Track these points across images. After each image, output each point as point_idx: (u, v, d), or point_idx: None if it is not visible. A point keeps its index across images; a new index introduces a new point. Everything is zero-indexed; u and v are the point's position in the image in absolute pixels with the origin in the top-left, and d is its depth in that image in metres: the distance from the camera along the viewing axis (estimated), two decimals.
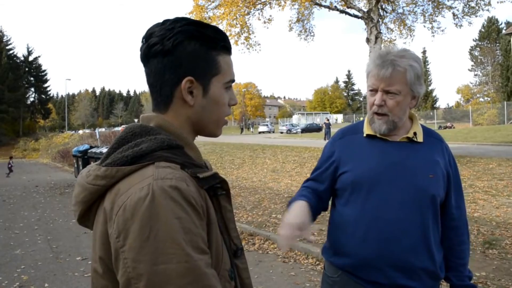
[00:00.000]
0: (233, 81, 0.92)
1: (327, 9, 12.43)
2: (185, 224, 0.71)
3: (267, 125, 51.27)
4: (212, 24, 0.93)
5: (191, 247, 0.71)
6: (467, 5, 12.31)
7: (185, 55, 0.84)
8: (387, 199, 1.43)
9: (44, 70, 60.04)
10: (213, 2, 12.79)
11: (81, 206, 0.84)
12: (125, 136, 0.83)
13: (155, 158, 0.78)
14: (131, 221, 0.71)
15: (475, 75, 56.09)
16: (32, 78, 58.05)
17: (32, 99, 58.27)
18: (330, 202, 1.67)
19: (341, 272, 1.52)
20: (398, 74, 1.41)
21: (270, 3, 12.63)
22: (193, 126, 0.90)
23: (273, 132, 47.01)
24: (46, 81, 59.67)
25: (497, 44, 51.24)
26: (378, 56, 1.45)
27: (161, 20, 0.89)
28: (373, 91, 1.47)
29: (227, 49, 0.91)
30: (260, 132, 47.16)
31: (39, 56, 61.33)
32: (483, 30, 54.23)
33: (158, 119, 0.86)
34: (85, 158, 12.64)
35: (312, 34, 13.89)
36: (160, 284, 0.68)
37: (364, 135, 1.54)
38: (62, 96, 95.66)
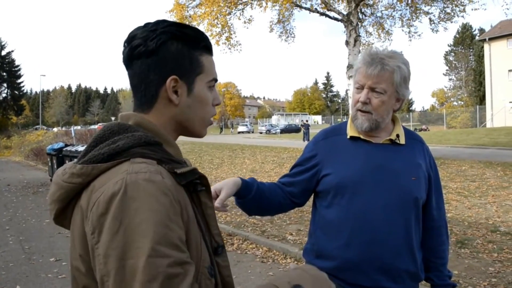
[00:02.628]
0: (216, 80, 0.93)
1: (307, 11, 12.53)
2: (159, 217, 0.69)
3: (246, 125, 51.34)
4: (193, 23, 0.94)
5: (164, 241, 0.68)
6: (443, 11, 12.65)
7: (169, 55, 0.85)
8: (371, 202, 1.43)
9: (18, 65, 58.17)
10: (194, 0, 12.70)
11: (57, 204, 0.83)
12: (103, 134, 0.82)
13: (131, 154, 0.77)
14: (104, 216, 0.70)
15: (450, 79, 57.76)
16: (4, 74, 56.12)
17: (4, 95, 56.29)
18: (308, 203, 1.66)
19: None
20: (386, 73, 1.42)
21: (251, 3, 12.63)
22: (178, 126, 0.90)
23: (253, 132, 47.09)
24: (19, 76, 57.81)
25: (471, 50, 52.81)
26: (368, 54, 1.46)
27: (138, 21, 0.89)
28: (360, 88, 1.47)
29: (209, 49, 0.92)
30: (239, 132, 47.16)
31: (12, 51, 59.43)
32: (457, 36, 55.81)
33: (137, 117, 0.86)
34: (59, 156, 12.33)
35: (292, 35, 13.97)
36: (127, 280, 0.66)
37: (348, 136, 1.54)
38: (36, 92, 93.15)
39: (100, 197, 0.72)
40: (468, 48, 53.92)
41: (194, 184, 0.82)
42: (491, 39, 29.54)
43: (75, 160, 0.84)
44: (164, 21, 0.88)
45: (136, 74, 0.86)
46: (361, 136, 1.51)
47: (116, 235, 0.68)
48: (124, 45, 0.88)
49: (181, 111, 0.88)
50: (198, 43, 0.89)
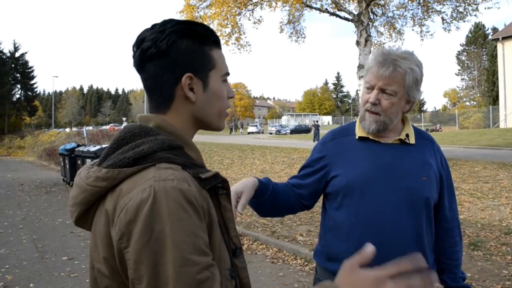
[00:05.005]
0: (228, 74, 0.94)
1: (317, 12, 12.50)
2: (187, 225, 0.71)
3: (256, 125, 51.31)
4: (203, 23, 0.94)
5: (193, 249, 0.71)
6: (456, 10, 12.51)
7: (180, 53, 0.86)
8: (381, 203, 1.41)
9: (31, 67, 59.04)
10: (204, 1, 12.75)
11: (80, 207, 0.83)
12: (124, 137, 0.83)
13: (156, 159, 0.78)
14: (133, 223, 0.71)
15: (462, 79, 56.96)
16: (18, 75, 56.95)
17: (18, 96, 57.12)
18: (316, 204, 1.64)
19: (334, 277, 1.50)
20: (397, 75, 1.39)
21: (261, 4, 12.64)
22: (196, 122, 0.91)
23: (262, 132, 47.06)
24: (32, 77, 58.65)
25: (484, 49, 52.05)
26: (380, 54, 1.43)
27: (149, 22, 0.89)
28: (370, 88, 1.45)
29: (218, 44, 0.93)
30: (249, 133, 47.18)
31: (26, 52, 59.98)
32: (470, 35, 55.04)
33: (157, 119, 0.86)
34: (72, 156, 12.49)
35: (302, 36, 13.93)
36: (160, 286, 0.68)
37: (356, 137, 1.52)
38: (49, 93, 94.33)
39: (129, 203, 0.73)
40: (481, 48, 53.13)
41: (216, 188, 0.83)
42: (504, 38, 29.00)
43: (95, 161, 0.85)
44: (171, 20, 0.88)
45: (150, 77, 0.87)
46: (370, 137, 1.49)
47: (147, 244, 0.69)
48: (133, 49, 0.88)
49: (198, 107, 0.89)
50: (208, 38, 0.90)
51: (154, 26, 0.88)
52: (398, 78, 1.40)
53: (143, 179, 0.75)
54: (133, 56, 0.88)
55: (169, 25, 0.86)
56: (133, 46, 0.88)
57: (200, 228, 0.74)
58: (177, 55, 0.85)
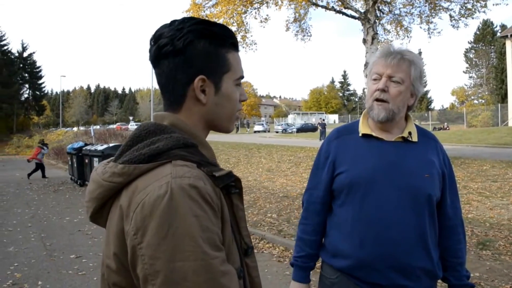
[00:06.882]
0: (242, 77, 0.93)
1: (323, 10, 12.45)
2: (203, 222, 0.72)
3: (262, 124, 51.30)
4: None
5: (208, 244, 0.72)
6: (464, 7, 12.38)
7: (196, 54, 0.85)
8: (384, 200, 1.43)
9: (39, 67, 59.57)
10: (210, 0, 12.76)
11: (96, 202, 0.84)
12: (139, 134, 0.84)
13: (172, 156, 0.79)
14: (149, 218, 0.71)
15: (470, 77, 56.41)
16: (26, 74, 57.47)
17: (26, 95, 57.64)
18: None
19: (339, 274, 1.51)
20: (404, 64, 1.46)
21: (267, 2, 12.62)
22: (207, 123, 0.91)
23: (269, 131, 47.05)
24: (40, 77, 59.15)
25: (492, 47, 51.46)
26: (387, 48, 1.52)
27: (155, 21, 0.89)
28: (377, 79, 1.49)
29: (235, 46, 0.92)
30: (255, 132, 47.19)
31: (34, 52, 60.70)
32: (478, 32, 54.48)
33: (172, 118, 0.87)
34: (79, 155, 12.57)
35: (308, 34, 13.90)
36: (176, 281, 0.69)
37: (360, 134, 1.55)
38: (56, 92, 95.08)
39: (145, 198, 0.73)
40: (489, 45, 52.53)
41: (229, 187, 0.83)
42: None
43: (112, 158, 0.86)
44: (191, 18, 0.88)
45: (164, 74, 0.87)
46: (373, 134, 1.52)
47: (164, 239, 0.70)
48: (150, 43, 0.88)
49: (209, 109, 0.89)
50: (225, 41, 0.89)
51: (173, 22, 0.87)
52: (405, 67, 1.46)
53: (159, 175, 0.76)
54: (149, 50, 0.88)
55: (188, 23, 0.85)
56: (150, 40, 0.88)
57: (215, 224, 0.75)
58: (192, 56, 0.85)
